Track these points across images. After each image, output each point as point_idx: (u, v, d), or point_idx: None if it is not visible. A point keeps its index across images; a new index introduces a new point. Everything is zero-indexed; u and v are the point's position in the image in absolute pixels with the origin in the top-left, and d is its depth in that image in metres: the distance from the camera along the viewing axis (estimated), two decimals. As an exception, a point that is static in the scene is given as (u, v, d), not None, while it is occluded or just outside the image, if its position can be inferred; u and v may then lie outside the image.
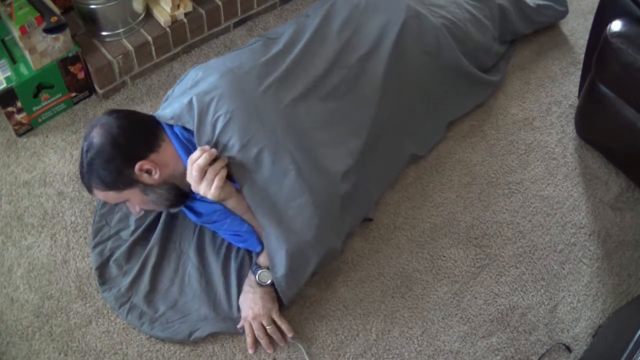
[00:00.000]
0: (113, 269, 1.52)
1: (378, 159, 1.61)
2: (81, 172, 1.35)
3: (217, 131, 1.34)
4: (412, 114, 1.69)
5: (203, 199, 1.41)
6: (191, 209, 1.49)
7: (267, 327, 1.41)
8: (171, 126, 1.39)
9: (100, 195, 1.36)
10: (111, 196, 1.36)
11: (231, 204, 1.38)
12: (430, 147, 1.77)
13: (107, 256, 1.54)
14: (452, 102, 1.79)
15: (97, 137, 1.31)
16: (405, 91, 1.65)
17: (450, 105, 1.79)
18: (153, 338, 1.44)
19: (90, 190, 1.37)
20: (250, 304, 1.42)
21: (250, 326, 1.42)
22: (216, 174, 1.29)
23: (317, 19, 1.61)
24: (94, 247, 1.55)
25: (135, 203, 1.39)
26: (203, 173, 1.29)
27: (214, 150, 1.32)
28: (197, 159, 1.29)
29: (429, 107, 1.73)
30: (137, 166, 1.31)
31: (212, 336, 1.45)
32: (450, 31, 1.70)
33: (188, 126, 1.36)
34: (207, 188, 1.29)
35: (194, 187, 1.31)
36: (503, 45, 1.94)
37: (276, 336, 1.42)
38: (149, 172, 1.33)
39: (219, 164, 1.30)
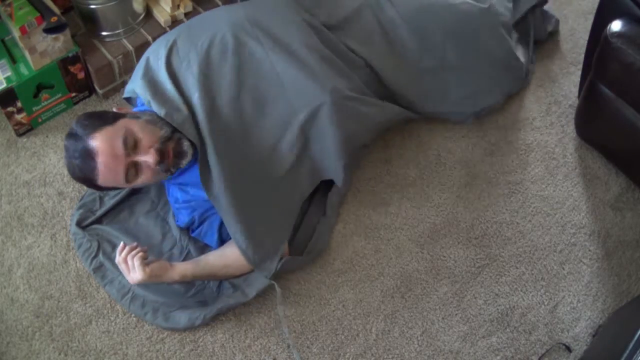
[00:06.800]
0: (107, 263, 1.52)
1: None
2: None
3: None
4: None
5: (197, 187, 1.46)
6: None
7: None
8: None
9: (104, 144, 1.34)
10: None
11: (176, 275, 1.42)
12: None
13: (86, 215, 1.59)
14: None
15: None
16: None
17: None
18: (153, 338, 1.44)
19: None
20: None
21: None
22: (133, 257, 1.37)
23: None
24: (79, 208, 1.61)
25: (137, 130, 1.36)
26: (127, 264, 1.38)
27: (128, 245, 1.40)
28: (119, 257, 1.38)
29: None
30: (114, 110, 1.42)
31: (212, 336, 1.45)
32: None
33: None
34: (134, 272, 1.37)
35: (130, 281, 1.39)
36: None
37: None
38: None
39: (136, 250, 1.38)
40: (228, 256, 1.46)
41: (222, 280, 1.50)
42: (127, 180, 1.35)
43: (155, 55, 1.51)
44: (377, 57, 1.65)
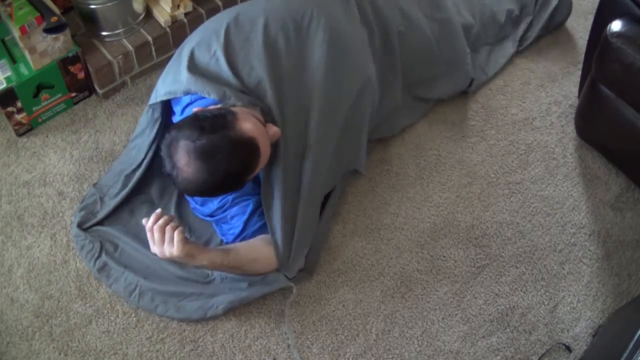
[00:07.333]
0: (110, 262, 1.52)
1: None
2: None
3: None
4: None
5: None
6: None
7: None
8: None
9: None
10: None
11: (206, 260, 1.36)
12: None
13: (87, 217, 1.58)
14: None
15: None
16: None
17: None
18: (153, 338, 1.44)
19: None
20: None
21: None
22: (174, 230, 1.29)
23: None
24: (80, 210, 1.59)
25: (251, 112, 1.33)
26: (164, 233, 1.30)
27: (165, 215, 1.33)
28: (154, 224, 1.30)
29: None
30: None
31: (212, 336, 1.45)
32: None
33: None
34: (169, 245, 1.29)
35: (157, 252, 1.32)
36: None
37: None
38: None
39: (175, 222, 1.31)
40: (259, 251, 1.44)
41: (234, 274, 1.50)
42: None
43: (207, 50, 1.44)
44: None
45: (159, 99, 1.49)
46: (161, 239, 1.30)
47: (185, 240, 1.31)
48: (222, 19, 1.50)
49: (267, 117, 1.39)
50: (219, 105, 1.35)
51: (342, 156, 1.57)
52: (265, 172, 1.41)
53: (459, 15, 1.88)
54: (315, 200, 1.51)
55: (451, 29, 1.82)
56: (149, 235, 1.31)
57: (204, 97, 1.40)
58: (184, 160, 1.23)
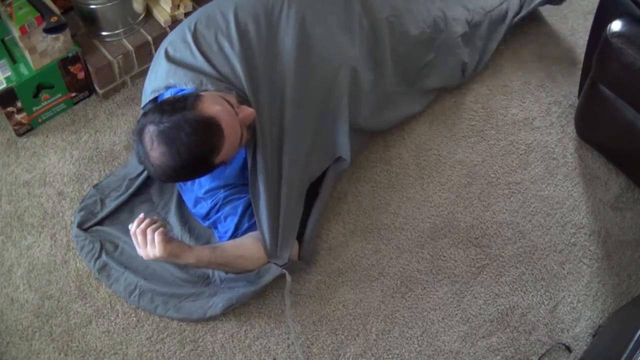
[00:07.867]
0: (110, 262, 1.52)
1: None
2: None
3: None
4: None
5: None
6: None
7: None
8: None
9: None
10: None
11: (192, 258, 1.37)
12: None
13: (87, 217, 1.58)
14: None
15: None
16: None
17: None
18: (153, 338, 1.44)
19: None
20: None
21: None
22: (154, 231, 1.31)
23: None
24: (80, 210, 1.59)
25: (221, 95, 1.34)
26: (145, 236, 1.32)
27: (147, 217, 1.34)
28: (137, 228, 1.32)
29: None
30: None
31: (212, 336, 1.45)
32: None
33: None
34: (152, 247, 1.31)
35: (143, 255, 1.34)
36: None
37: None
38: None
39: (157, 224, 1.33)
40: (247, 247, 1.44)
41: (232, 273, 1.49)
42: (240, 142, 1.33)
43: (181, 43, 1.46)
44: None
45: (148, 99, 1.50)
46: (144, 241, 1.32)
47: (167, 241, 1.32)
48: (195, 15, 1.53)
49: (245, 103, 1.40)
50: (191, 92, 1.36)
51: (321, 142, 1.55)
52: (250, 163, 1.41)
53: (449, 9, 1.86)
54: (297, 188, 1.50)
55: (442, 19, 1.80)
56: (133, 239, 1.34)
57: (183, 89, 1.41)
58: (149, 145, 1.24)
